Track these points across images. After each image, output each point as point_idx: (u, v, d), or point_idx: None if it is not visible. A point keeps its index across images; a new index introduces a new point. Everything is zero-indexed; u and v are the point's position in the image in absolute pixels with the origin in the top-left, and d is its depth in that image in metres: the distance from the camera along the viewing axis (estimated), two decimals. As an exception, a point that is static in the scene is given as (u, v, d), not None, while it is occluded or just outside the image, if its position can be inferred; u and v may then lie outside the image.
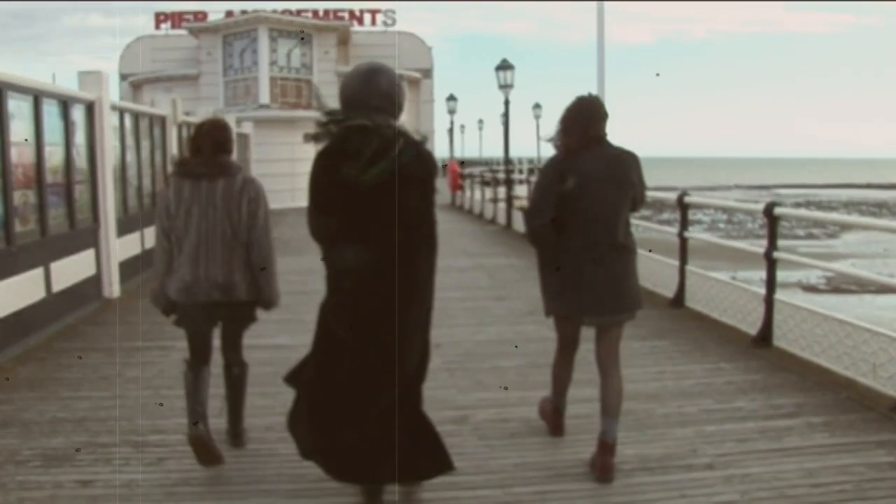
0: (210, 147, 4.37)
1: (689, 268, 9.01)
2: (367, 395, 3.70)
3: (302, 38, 27.53)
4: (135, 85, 30.31)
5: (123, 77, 31.65)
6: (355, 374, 3.70)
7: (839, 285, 20.87)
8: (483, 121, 51.09)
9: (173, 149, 13.06)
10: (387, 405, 3.69)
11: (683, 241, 9.12)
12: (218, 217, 4.29)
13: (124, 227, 10.63)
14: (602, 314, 4.44)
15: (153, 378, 6.23)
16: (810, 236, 33.59)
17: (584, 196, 4.31)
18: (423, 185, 3.69)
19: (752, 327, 7.42)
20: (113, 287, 9.85)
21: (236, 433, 4.77)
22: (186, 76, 29.18)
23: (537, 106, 41.92)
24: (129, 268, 10.53)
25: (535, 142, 44.43)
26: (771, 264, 7.24)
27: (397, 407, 3.71)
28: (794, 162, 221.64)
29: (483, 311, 8.70)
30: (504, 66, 20.34)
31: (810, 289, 20.32)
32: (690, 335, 7.69)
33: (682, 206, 9.18)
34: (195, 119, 15.77)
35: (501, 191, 21.20)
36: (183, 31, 30.39)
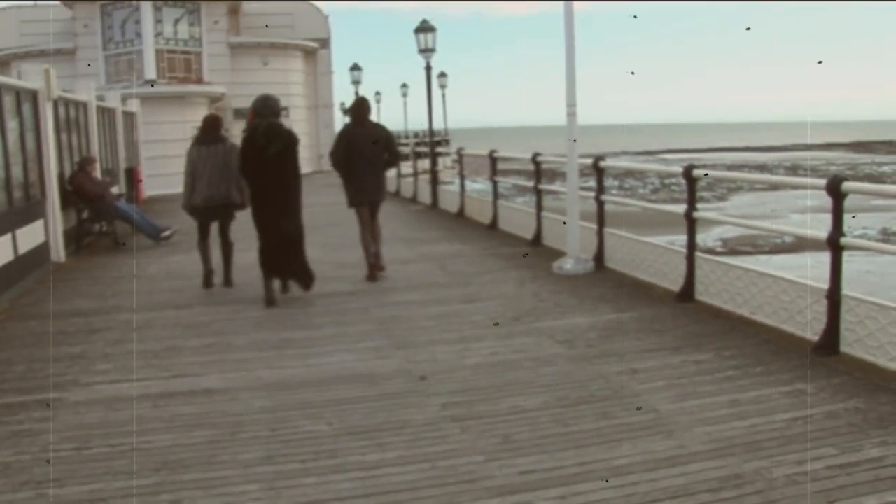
0: (212, 129, 8.80)
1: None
2: (276, 246, 7.95)
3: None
4: (1, 61, 28.13)
5: (-13, 52, 29.36)
6: (271, 242, 7.94)
7: (735, 247, 21.43)
8: (408, 85, 47.63)
9: (49, 130, 11.23)
10: (284, 248, 7.98)
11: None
12: (221, 163, 8.54)
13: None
14: (373, 199, 9.10)
15: (31, 465, 4.26)
16: (701, 199, 34.45)
17: (357, 148, 8.82)
18: (296, 152, 7.99)
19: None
20: (-29, 311, 7.75)
21: (228, 280, 8.97)
22: (61, 51, 27.24)
23: (443, 75, 41.21)
24: (-1, 281, 8.65)
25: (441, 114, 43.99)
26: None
27: (290, 259, 8.09)
28: (677, 127, 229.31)
29: (457, 319, 7.12)
30: (424, 27, 17.38)
31: (707, 251, 20.70)
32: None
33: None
34: (75, 97, 14.54)
35: (409, 165, 20.16)
36: (55, 2, 28.34)
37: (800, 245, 18.84)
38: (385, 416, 4.77)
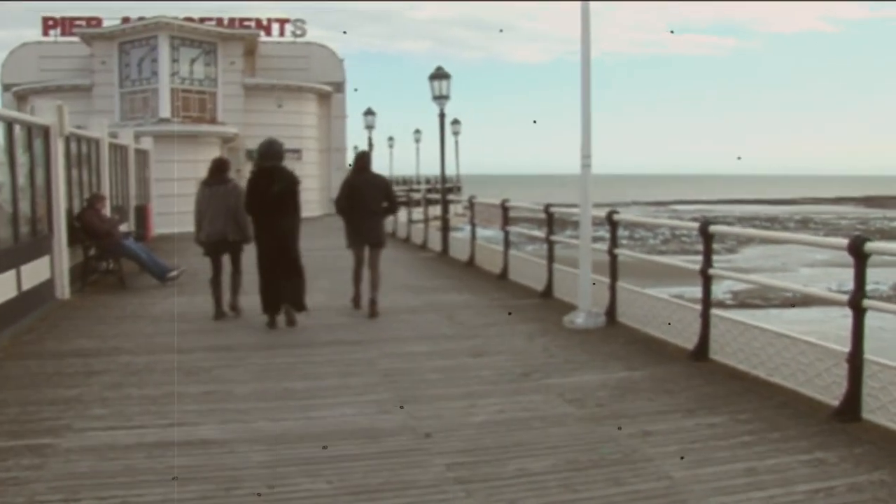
0: (218, 171, 9.62)
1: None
2: (274, 278, 8.78)
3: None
4: (19, 96, 28.47)
5: (6, 87, 29.68)
6: (269, 274, 8.76)
7: (745, 300, 21.21)
8: (421, 131, 47.41)
9: (59, 167, 11.20)
10: (282, 281, 8.78)
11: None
12: (221, 203, 9.32)
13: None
14: (369, 244, 9.81)
15: None
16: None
17: (358, 195, 9.71)
18: (296, 192, 8.80)
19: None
20: (-26, 347, 7.69)
21: (235, 307, 9.68)
22: (78, 87, 27.59)
23: (456, 122, 41.44)
24: (0, 317, 8.56)
25: (454, 159, 44.10)
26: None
27: (286, 281, 8.83)
28: (689, 178, 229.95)
29: (463, 373, 6.91)
30: (439, 74, 17.33)
31: (717, 304, 20.44)
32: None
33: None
34: (88, 133, 14.58)
35: (420, 211, 20.16)
36: (74, 38, 28.71)
37: (810, 299, 18.60)
38: (387, 476, 4.57)
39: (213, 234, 9.39)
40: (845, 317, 5.69)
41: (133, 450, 5.03)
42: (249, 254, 9.38)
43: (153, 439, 5.23)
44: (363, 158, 10.26)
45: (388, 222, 23.95)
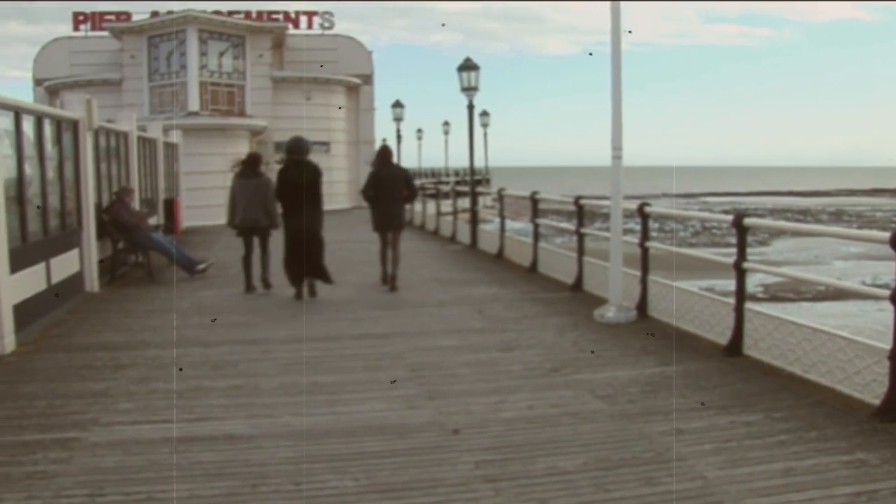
0: (252, 164, 11.14)
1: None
2: (299, 256, 10.13)
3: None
4: (51, 90, 28.73)
5: (38, 82, 29.99)
6: (294, 249, 10.12)
7: (777, 293, 20.88)
8: (450, 123, 46.73)
9: (88, 161, 11.28)
10: (307, 257, 10.16)
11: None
12: (255, 193, 10.80)
13: (22, 259, 8.39)
14: (391, 229, 11.25)
15: None
16: (743, 244, 33.65)
17: (383, 185, 11.13)
18: (319, 182, 10.24)
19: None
20: (4, 340, 7.53)
21: (266, 283, 10.98)
22: (108, 81, 27.81)
23: (485, 114, 41.33)
24: (30, 310, 8.42)
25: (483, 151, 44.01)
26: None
27: (309, 259, 10.20)
28: (718, 170, 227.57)
29: (492, 367, 6.84)
30: (468, 66, 17.20)
31: (748, 297, 20.11)
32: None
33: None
34: (116, 127, 14.64)
35: (449, 204, 20.18)
36: (104, 33, 28.93)
37: (843, 293, 18.28)
38: (414, 473, 4.48)
39: (246, 220, 10.88)
40: (881, 311, 5.51)
41: (158, 444, 4.99)
42: (276, 239, 10.72)
43: (179, 434, 5.19)
44: (385, 153, 11.69)
45: (412, 213, 24.68)
